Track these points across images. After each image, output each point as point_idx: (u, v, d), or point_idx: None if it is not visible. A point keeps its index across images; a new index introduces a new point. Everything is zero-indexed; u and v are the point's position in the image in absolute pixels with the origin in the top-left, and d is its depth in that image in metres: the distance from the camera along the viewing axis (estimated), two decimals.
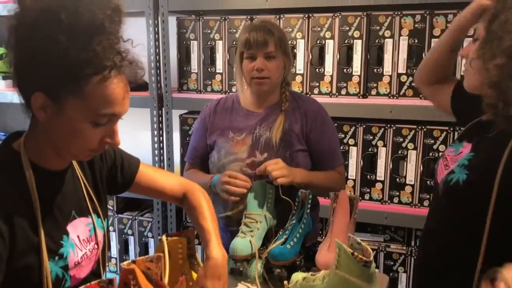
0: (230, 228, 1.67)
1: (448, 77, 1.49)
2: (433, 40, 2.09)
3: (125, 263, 0.99)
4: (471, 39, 1.26)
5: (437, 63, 1.46)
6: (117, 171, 1.24)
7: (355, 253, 1.07)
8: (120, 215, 2.71)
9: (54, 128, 0.98)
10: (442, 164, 1.30)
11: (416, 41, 2.11)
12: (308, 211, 1.47)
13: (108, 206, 2.68)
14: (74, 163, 1.13)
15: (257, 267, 1.43)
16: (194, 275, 1.17)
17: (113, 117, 0.99)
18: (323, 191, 1.55)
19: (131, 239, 2.72)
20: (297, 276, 1.26)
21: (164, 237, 1.17)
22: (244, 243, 1.45)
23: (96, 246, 1.13)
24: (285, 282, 1.24)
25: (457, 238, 1.23)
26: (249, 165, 1.65)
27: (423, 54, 2.11)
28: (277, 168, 1.54)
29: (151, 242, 2.68)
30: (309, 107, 1.69)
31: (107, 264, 1.20)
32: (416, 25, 2.11)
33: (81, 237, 1.09)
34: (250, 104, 1.72)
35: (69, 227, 1.07)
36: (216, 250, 1.15)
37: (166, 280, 1.02)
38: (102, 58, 0.93)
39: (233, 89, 2.41)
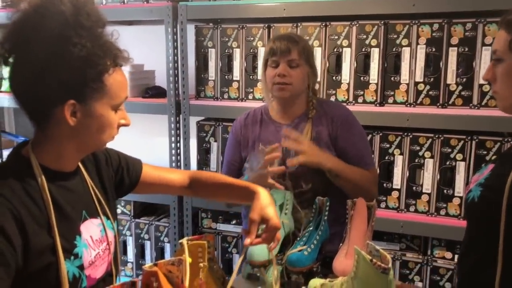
0: None
1: None
2: (450, 49, 2.09)
3: (146, 265, 1.00)
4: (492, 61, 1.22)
5: None
6: (123, 172, 1.28)
7: (374, 260, 1.07)
8: (137, 220, 2.74)
9: (83, 128, 1.03)
10: (467, 187, 1.32)
11: (434, 49, 2.12)
12: (326, 218, 1.48)
13: (125, 211, 2.73)
14: (81, 167, 1.15)
15: (274, 273, 1.43)
16: (213, 279, 1.18)
17: (125, 99, 1.08)
18: (355, 188, 1.52)
19: (147, 244, 2.75)
20: (315, 282, 1.27)
21: (184, 241, 1.19)
22: (261, 248, 1.45)
23: (107, 247, 1.16)
24: None
25: (480, 257, 1.23)
26: (280, 176, 1.66)
27: (441, 63, 2.11)
28: (295, 146, 1.55)
29: (167, 247, 2.70)
30: (336, 112, 1.70)
31: (119, 265, 1.22)
32: (434, 34, 2.11)
33: (94, 237, 1.12)
34: (278, 115, 1.74)
35: (82, 227, 1.09)
36: (257, 187, 1.23)
37: (186, 283, 1.04)
38: (113, 49, 1.02)
39: (250, 97, 2.43)
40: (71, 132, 1.03)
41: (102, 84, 1.01)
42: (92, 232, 1.12)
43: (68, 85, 0.97)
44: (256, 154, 1.70)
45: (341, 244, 1.44)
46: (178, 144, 2.60)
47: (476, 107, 2.09)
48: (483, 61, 2.05)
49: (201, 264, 1.17)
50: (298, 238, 1.50)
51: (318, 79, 2.27)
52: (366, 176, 1.71)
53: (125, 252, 2.80)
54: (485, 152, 2.07)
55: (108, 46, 1.02)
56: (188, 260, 1.10)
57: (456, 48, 2.09)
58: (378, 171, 2.23)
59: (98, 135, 1.06)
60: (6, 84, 2.70)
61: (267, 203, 1.21)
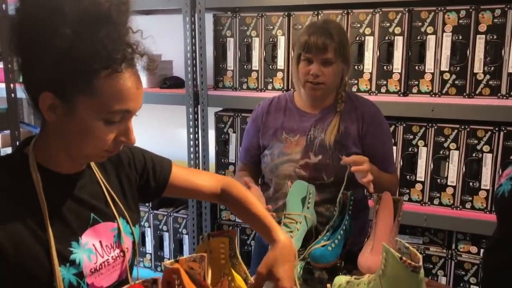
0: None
1: None
2: (478, 36, 2.02)
3: (168, 262, 0.98)
4: None
5: None
6: (149, 175, 1.18)
7: (404, 258, 1.03)
8: (155, 211, 2.73)
9: (65, 129, 0.92)
10: (498, 181, 1.27)
11: (461, 37, 2.04)
12: (350, 212, 1.44)
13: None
14: (96, 169, 1.07)
15: (296, 268, 1.40)
16: (236, 275, 1.15)
17: (126, 113, 0.93)
18: (382, 192, 1.48)
19: (165, 235, 2.74)
20: (340, 279, 1.23)
21: (205, 236, 1.16)
22: None
23: (121, 254, 1.06)
24: (328, 285, 1.21)
25: (509, 253, 1.18)
26: (302, 166, 1.61)
27: (467, 51, 2.03)
28: (362, 170, 1.45)
29: (186, 239, 2.69)
30: (366, 109, 1.64)
31: (137, 271, 1.14)
32: (461, 21, 2.03)
33: (103, 243, 1.03)
34: (304, 105, 1.67)
35: (89, 232, 1.01)
36: (282, 234, 1.13)
37: (209, 280, 1.01)
38: (111, 51, 0.87)
39: (269, 87, 2.39)
40: (55, 130, 0.94)
41: (89, 86, 0.87)
42: (103, 237, 1.03)
43: (44, 75, 0.88)
44: (277, 143, 1.65)
45: (366, 240, 1.40)
46: (197, 135, 2.57)
47: (505, 97, 2.02)
48: None
49: (223, 261, 1.14)
50: (321, 234, 1.46)
51: (350, 71, 2.22)
52: (395, 181, 1.68)
53: (143, 243, 2.79)
54: None
55: (104, 45, 0.86)
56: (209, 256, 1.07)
57: (484, 36, 2.01)
58: (401, 163, 2.18)
59: (79, 142, 0.93)
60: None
61: (282, 259, 1.08)
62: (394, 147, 2.18)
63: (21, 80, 0.94)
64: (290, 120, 1.66)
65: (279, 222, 1.53)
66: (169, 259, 2.66)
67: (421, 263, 1.03)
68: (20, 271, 0.91)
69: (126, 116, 0.94)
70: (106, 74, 0.88)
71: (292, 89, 1.74)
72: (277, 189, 1.66)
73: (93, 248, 1.00)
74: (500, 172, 1.34)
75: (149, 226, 2.75)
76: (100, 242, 1.02)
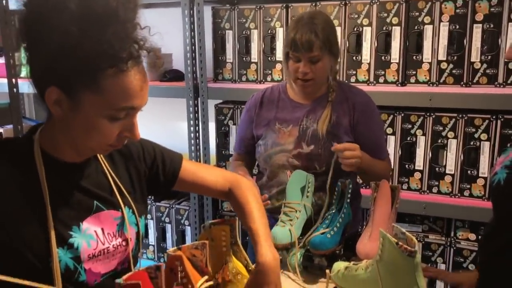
0: (274, 216, 1.69)
1: None
2: (474, 25, 2.03)
3: (171, 249, 1.00)
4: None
5: None
6: (159, 169, 1.18)
7: (400, 243, 1.06)
8: (157, 203, 2.76)
9: (70, 123, 0.94)
10: (493, 169, 1.29)
11: (457, 27, 2.06)
12: (348, 200, 1.46)
13: None
14: (103, 160, 1.08)
15: (296, 256, 1.43)
16: (237, 262, 1.17)
17: (131, 110, 0.94)
18: (375, 179, 1.51)
19: (168, 227, 2.77)
20: (339, 265, 1.26)
21: (207, 225, 1.19)
22: (283, 231, 1.45)
23: (124, 243, 1.07)
24: (327, 271, 1.24)
25: (505, 240, 1.20)
26: (295, 156, 1.64)
27: (464, 41, 2.05)
28: (351, 156, 1.50)
29: (188, 230, 2.72)
30: (358, 98, 1.66)
31: (139, 262, 1.14)
32: (458, 11, 2.05)
33: (106, 230, 1.04)
34: (297, 96, 1.70)
35: (91, 219, 1.02)
36: (265, 253, 1.06)
37: (210, 267, 1.04)
38: (118, 49, 0.87)
39: (268, 79, 2.41)
40: (60, 123, 0.96)
41: (94, 83, 0.88)
42: (106, 224, 1.04)
43: (51, 71, 0.89)
44: (271, 134, 1.68)
45: (364, 227, 1.43)
46: (197, 127, 2.59)
47: (502, 86, 2.04)
48: (510, 37, 1.98)
49: (224, 248, 1.16)
50: (319, 222, 1.48)
51: (338, 60, 2.24)
52: (387, 169, 1.71)
53: (146, 235, 2.83)
54: (510, 132, 2.01)
55: (111, 44, 0.86)
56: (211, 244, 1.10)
57: (480, 25, 2.03)
58: (400, 152, 2.20)
59: (84, 137, 0.95)
60: (25, 70, 2.71)
61: (262, 282, 1.05)
62: (393, 137, 2.20)
63: (28, 73, 0.95)
64: (283, 111, 1.69)
65: (273, 210, 1.57)
66: None
67: (416, 248, 1.05)
68: (17, 249, 0.93)
69: (131, 113, 0.95)
70: (111, 73, 0.88)
71: (285, 80, 1.76)
72: (270, 178, 1.70)
73: (94, 234, 1.02)
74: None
75: (152, 218, 2.78)
76: (102, 229, 1.04)
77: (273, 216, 1.69)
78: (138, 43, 0.92)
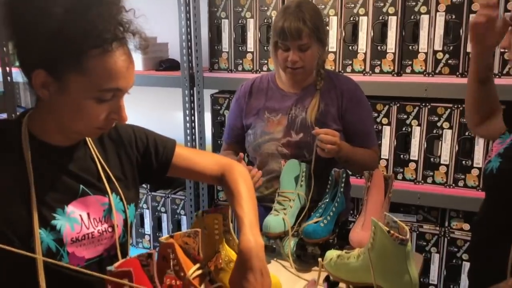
0: (263, 204, 1.69)
1: (494, 108, 1.41)
2: (471, 15, 2.02)
3: (163, 237, 1.00)
4: (510, 28, 1.21)
5: (475, 101, 1.40)
6: (151, 156, 1.18)
7: (391, 231, 1.06)
8: (153, 193, 2.76)
9: (57, 105, 0.94)
10: (488, 155, 1.29)
11: (454, 17, 2.05)
12: (342, 189, 1.47)
13: (142, 185, 2.74)
14: (92, 146, 1.08)
15: (290, 244, 1.44)
16: (229, 250, 1.18)
17: (117, 91, 0.94)
18: (360, 169, 1.53)
19: (164, 217, 2.78)
20: (331, 253, 1.26)
21: (200, 213, 1.19)
22: (277, 220, 1.45)
23: (110, 229, 1.06)
24: (319, 259, 1.24)
25: (495, 229, 1.21)
26: (284, 144, 1.65)
27: (461, 31, 2.05)
28: (330, 141, 1.50)
29: (184, 220, 2.73)
30: (345, 86, 1.67)
31: (128, 250, 1.13)
32: (454, 0, 2.04)
33: (91, 215, 1.04)
34: (285, 85, 1.71)
35: (77, 203, 1.02)
36: (247, 239, 1.03)
37: (202, 255, 1.04)
38: (102, 30, 0.88)
39: (264, 68, 2.40)
40: (48, 106, 0.96)
41: (79, 64, 0.89)
42: (91, 209, 1.04)
43: (37, 54, 0.89)
44: (260, 123, 1.69)
45: (357, 216, 1.43)
46: (193, 117, 2.59)
47: (497, 76, 2.03)
48: None
49: (217, 237, 1.17)
50: (313, 211, 1.49)
51: (334, 50, 2.24)
52: (372, 157, 1.69)
53: (142, 224, 2.83)
54: None
55: (95, 25, 0.87)
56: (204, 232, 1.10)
57: None
58: (395, 142, 2.20)
59: (71, 119, 0.95)
60: None
61: (245, 269, 1.01)
62: (388, 127, 2.20)
63: (16, 57, 0.95)
64: (272, 100, 1.70)
65: (261, 198, 1.60)
66: None
67: (408, 236, 1.06)
68: (1, 231, 0.93)
69: (117, 94, 0.95)
70: (96, 53, 0.89)
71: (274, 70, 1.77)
72: (260, 167, 1.70)
73: (79, 218, 1.02)
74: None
75: (148, 208, 2.79)
76: (88, 214, 1.03)
77: (261, 204, 1.70)
78: (123, 25, 0.92)
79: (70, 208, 1.01)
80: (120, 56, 0.92)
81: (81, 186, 1.04)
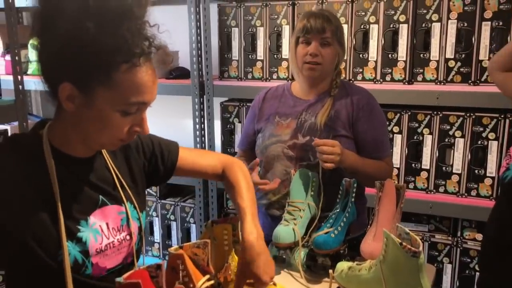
0: (271, 213, 1.68)
1: None
2: (483, 23, 2.00)
3: (172, 248, 1.00)
4: None
5: None
6: (158, 160, 1.21)
7: (404, 243, 1.04)
8: (163, 201, 2.76)
9: (82, 118, 0.95)
10: (505, 162, 1.26)
11: (466, 24, 2.03)
12: (353, 200, 1.45)
13: (151, 192, 2.75)
14: (107, 155, 1.10)
15: (300, 255, 1.42)
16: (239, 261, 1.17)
17: (142, 105, 0.96)
18: (370, 180, 1.51)
19: (173, 225, 2.77)
20: (342, 265, 1.25)
21: (209, 223, 1.18)
22: (287, 231, 1.44)
23: (128, 237, 1.08)
24: (330, 271, 1.23)
25: None
26: (290, 147, 1.65)
27: (473, 38, 2.02)
28: (329, 152, 1.50)
29: (193, 228, 2.72)
30: (358, 95, 1.66)
31: (143, 256, 1.15)
32: (466, 8, 2.02)
33: (110, 225, 1.05)
34: (301, 92, 1.72)
35: (97, 213, 1.03)
36: (250, 230, 1.09)
37: (211, 266, 1.03)
38: (131, 45, 0.90)
39: (274, 76, 2.40)
40: (72, 119, 0.97)
41: (108, 78, 0.90)
42: (110, 219, 1.06)
43: (66, 67, 0.90)
44: (269, 126, 1.70)
45: (368, 226, 1.41)
46: (202, 125, 2.59)
47: None
48: None
49: (226, 247, 1.16)
50: (324, 221, 1.47)
51: (345, 58, 2.22)
52: (383, 169, 1.65)
53: (151, 232, 2.83)
54: None
55: (125, 40, 0.89)
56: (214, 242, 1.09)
57: (489, 23, 2.00)
58: (406, 151, 2.18)
59: (96, 132, 0.97)
60: (32, 68, 2.73)
61: (251, 259, 1.08)
62: (399, 135, 2.18)
63: (40, 69, 0.96)
64: (284, 106, 1.71)
65: (269, 206, 1.60)
66: None
67: (421, 248, 1.04)
68: (26, 243, 0.94)
69: (141, 107, 0.97)
70: (125, 68, 0.91)
71: (291, 80, 1.77)
72: (267, 169, 1.70)
73: (99, 229, 1.03)
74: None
75: (157, 216, 2.79)
76: (107, 224, 1.05)
77: (268, 212, 1.68)
78: (148, 40, 0.94)
79: (92, 219, 1.03)
80: (147, 70, 0.94)
81: (100, 196, 1.06)
